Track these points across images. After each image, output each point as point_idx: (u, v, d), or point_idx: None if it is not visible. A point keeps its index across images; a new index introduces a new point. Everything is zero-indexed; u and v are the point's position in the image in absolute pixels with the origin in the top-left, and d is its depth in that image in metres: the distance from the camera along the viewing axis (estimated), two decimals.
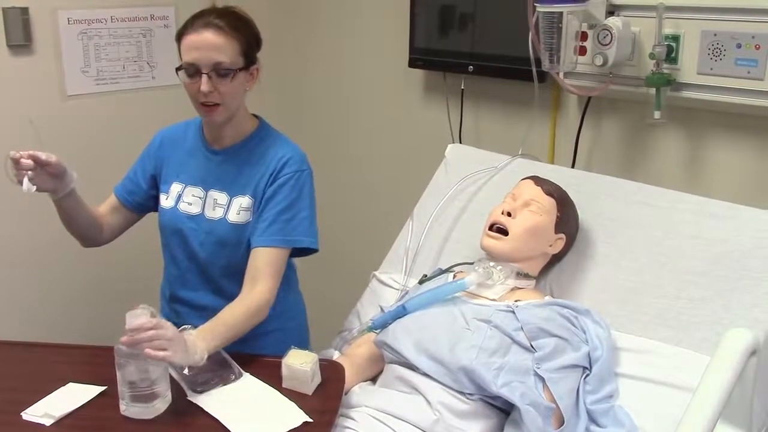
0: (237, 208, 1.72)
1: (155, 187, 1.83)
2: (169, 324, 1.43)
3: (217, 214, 1.73)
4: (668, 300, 1.59)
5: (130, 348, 1.37)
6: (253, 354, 1.60)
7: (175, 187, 1.78)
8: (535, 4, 1.85)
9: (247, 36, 1.68)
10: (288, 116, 2.87)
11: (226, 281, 1.75)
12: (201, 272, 1.78)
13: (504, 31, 2.13)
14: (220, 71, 1.62)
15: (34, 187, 1.55)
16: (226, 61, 1.62)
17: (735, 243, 1.58)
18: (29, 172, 1.53)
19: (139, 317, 1.38)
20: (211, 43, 1.61)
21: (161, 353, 1.36)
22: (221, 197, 1.74)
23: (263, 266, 1.66)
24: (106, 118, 2.42)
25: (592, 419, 1.46)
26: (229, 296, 1.66)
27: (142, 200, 1.84)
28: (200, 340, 1.47)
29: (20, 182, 1.53)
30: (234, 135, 1.76)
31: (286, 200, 1.69)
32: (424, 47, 2.36)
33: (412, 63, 2.40)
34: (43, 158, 1.55)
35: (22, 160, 1.53)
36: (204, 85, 1.61)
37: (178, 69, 1.66)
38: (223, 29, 1.63)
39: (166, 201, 1.79)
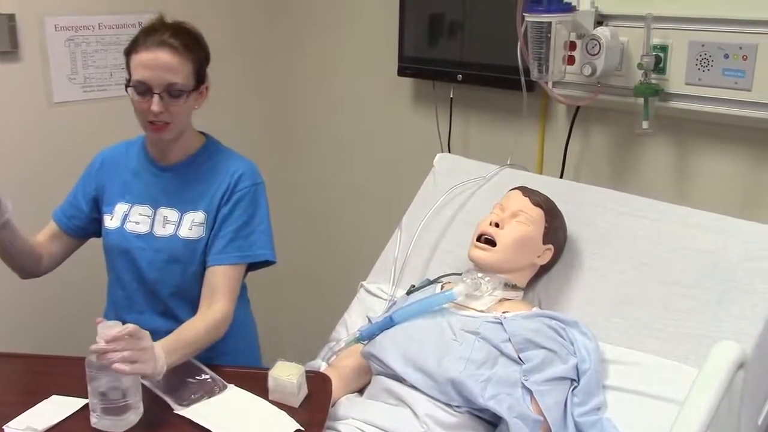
0: (189, 224, 1.69)
1: (97, 209, 1.78)
2: (145, 333, 1.41)
3: (167, 231, 1.70)
4: (656, 312, 1.58)
5: (101, 359, 1.34)
6: (237, 366, 1.60)
7: (121, 207, 1.74)
8: (524, 14, 1.85)
9: (199, 55, 1.65)
10: (277, 125, 2.86)
11: (175, 302, 1.73)
12: (149, 293, 1.74)
13: (493, 40, 2.13)
14: (172, 92, 1.59)
15: None
16: (179, 82, 1.59)
17: (723, 255, 1.58)
18: None
19: (113, 327, 1.36)
20: (164, 64, 1.57)
21: (129, 367, 1.34)
22: (171, 214, 1.71)
23: (220, 284, 1.64)
24: (94, 125, 2.40)
25: (579, 431, 1.46)
26: (178, 319, 1.64)
27: (83, 224, 1.79)
28: (163, 352, 1.44)
29: None
30: (181, 152, 1.73)
31: (244, 216, 1.68)
32: (413, 56, 2.35)
33: (401, 71, 2.39)
34: None
35: None
36: (155, 105, 1.57)
37: (127, 85, 1.62)
38: (178, 49, 1.59)
39: (111, 221, 1.74)
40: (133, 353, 1.35)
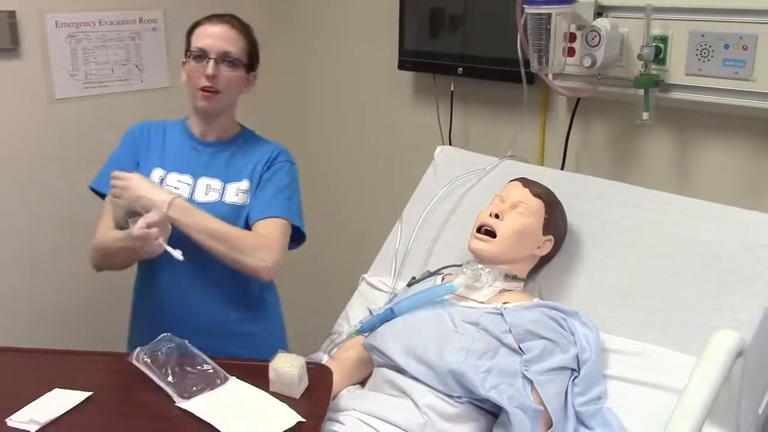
0: (235, 191, 1.76)
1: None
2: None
3: (211, 197, 1.75)
4: (657, 302, 1.58)
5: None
6: (238, 358, 1.59)
7: (157, 173, 1.78)
8: (524, 6, 1.85)
9: (252, 39, 1.81)
10: (279, 118, 2.86)
11: (218, 265, 1.70)
12: (189, 254, 1.64)
13: (493, 33, 2.13)
14: (227, 59, 1.73)
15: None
16: (234, 51, 1.74)
17: (724, 244, 1.58)
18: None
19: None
20: (224, 34, 1.74)
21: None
22: (214, 183, 1.77)
23: (268, 233, 1.70)
24: (95, 121, 2.41)
25: (580, 421, 1.46)
26: (218, 282, 1.68)
27: None
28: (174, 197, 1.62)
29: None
30: (222, 131, 1.82)
31: (283, 182, 1.78)
32: (414, 49, 2.36)
33: (402, 65, 2.40)
34: None
35: None
36: (210, 68, 1.70)
37: (186, 56, 1.76)
38: (236, 26, 1.77)
39: None
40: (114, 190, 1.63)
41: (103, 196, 1.79)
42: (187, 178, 1.77)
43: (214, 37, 1.73)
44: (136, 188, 1.63)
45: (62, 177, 2.35)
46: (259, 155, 1.80)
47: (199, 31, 1.76)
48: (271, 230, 1.71)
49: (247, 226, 1.74)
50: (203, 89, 1.72)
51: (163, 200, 1.61)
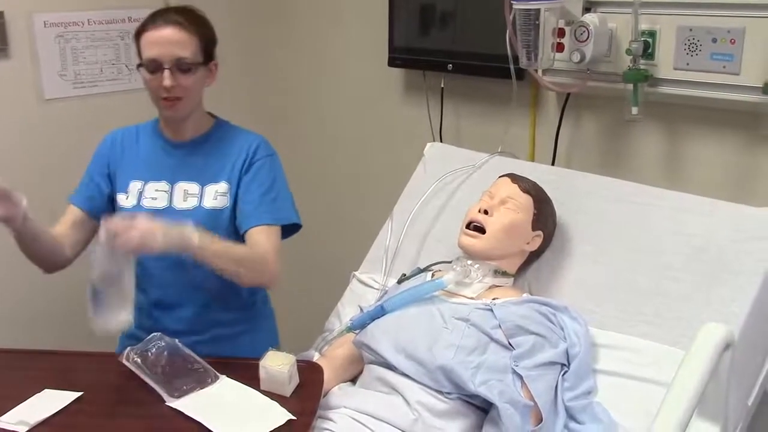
0: (213, 194, 1.73)
1: (113, 187, 1.80)
2: (142, 215, 1.46)
3: (190, 203, 1.73)
4: (646, 296, 1.59)
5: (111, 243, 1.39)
6: (228, 357, 1.59)
7: (135, 185, 1.76)
8: (512, 2, 1.84)
9: (205, 32, 1.71)
10: (268, 116, 2.86)
11: (204, 272, 1.68)
12: (175, 267, 1.73)
13: (483, 30, 2.13)
14: (182, 66, 1.65)
15: None
16: (187, 56, 1.65)
17: (713, 238, 1.58)
18: None
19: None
20: (172, 39, 1.64)
21: (135, 239, 1.41)
22: (191, 187, 1.74)
23: (262, 240, 1.67)
24: (85, 121, 2.41)
25: (570, 416, 1.46)
26: (205, 288, 1.66)
27: (103, 204, 1.79)
28: (193, 228, 1.51)
29: None
30: (193, 130, 1.78)
31: (266, 182, 1.73)
32: (404, 46, 2.35)
33: (392, 62, 2.39)
34: None
35: None
36: (167, 79, 1.63)
37: (138, 66, 1.67)
38: (184, 25, 1.66)
39: (126, 200, 1.76)
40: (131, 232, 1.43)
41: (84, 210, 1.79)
42: (164, 186, 1.75)
43: (163, 44, 1.64)
44: (154, 230, 1.46)
45: (52, 177, 2.34)
46: (236, 151, 1.75)
47: (146, 37, 1.66)
48: (265, 240, 1.68)
49: (231, 229, 1.72)
50: (164, 99, 1.66)
51: (190, 230, 1.51)
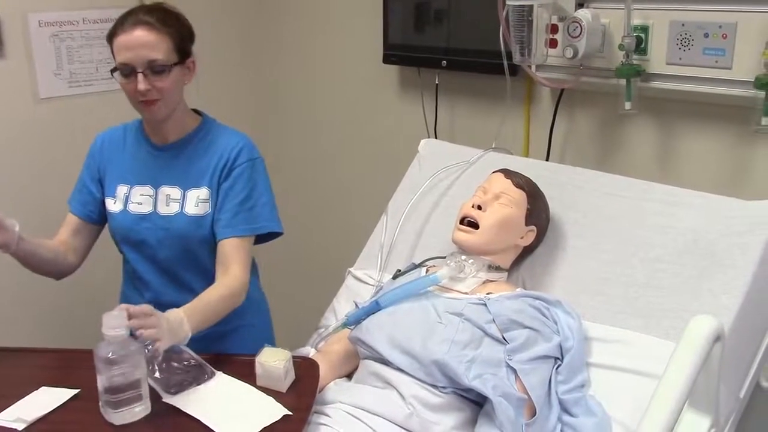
0: (194, 201, 1.72)
1: (103, 192, 1.80)
2: (150, 308, 1.43)
3: (172, 209, 1.72)
4: (638, 289, 1.60)
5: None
6: (224, 353, 1.60)
7: (122, 189, 1.76)
8: None
9: (178, 29, 1.68)
10: (262, 113, 2.87)
11: (190, 276, 1.76)
12: (162, 271, 1.77)
13: (477, 26, 2.13)
14: (155, 68, 1.62)
15: None
16: (160, 57, 1.62)
17: (703, 231, 1.59)
18: None
19: (117, 318, 1.36)
20: (143, 41, 1.61)
21: (153, 331, 1.38)
22: (174, 192, 1.73)
23: (232, 255, 1.68)
24: (80, 120, 2.40)
25: (564, 409, 1.47)
26: (195, 291, 1.65)
27: (98, 209, 1.80)
28: (185, 318, 1.48)
29: None
30: (177, 130, 1.75)
31: (245, 190, 1.71)
32: (398, 43, 2.36)
33: (387, 59, 2.40)
34: None
35: None
36: (141, 84, 1.60)
37: (112, 71, 1.65)
38: (154, 25, 1.62)
39: (114, 205, 1.76)
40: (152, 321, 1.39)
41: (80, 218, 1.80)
42: (149, 190, 1.74)
43: (134, 47, 1.60)
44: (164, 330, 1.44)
45: (48, 177, 2.35)
46: (218, 157, 1.72)
47: (117, 42, 1.62)
48: (235, 254, 1.67)
49: (212, 235, 1.72)
50: (142, 102, 1.64)
51: (187, 331, 1.49)
